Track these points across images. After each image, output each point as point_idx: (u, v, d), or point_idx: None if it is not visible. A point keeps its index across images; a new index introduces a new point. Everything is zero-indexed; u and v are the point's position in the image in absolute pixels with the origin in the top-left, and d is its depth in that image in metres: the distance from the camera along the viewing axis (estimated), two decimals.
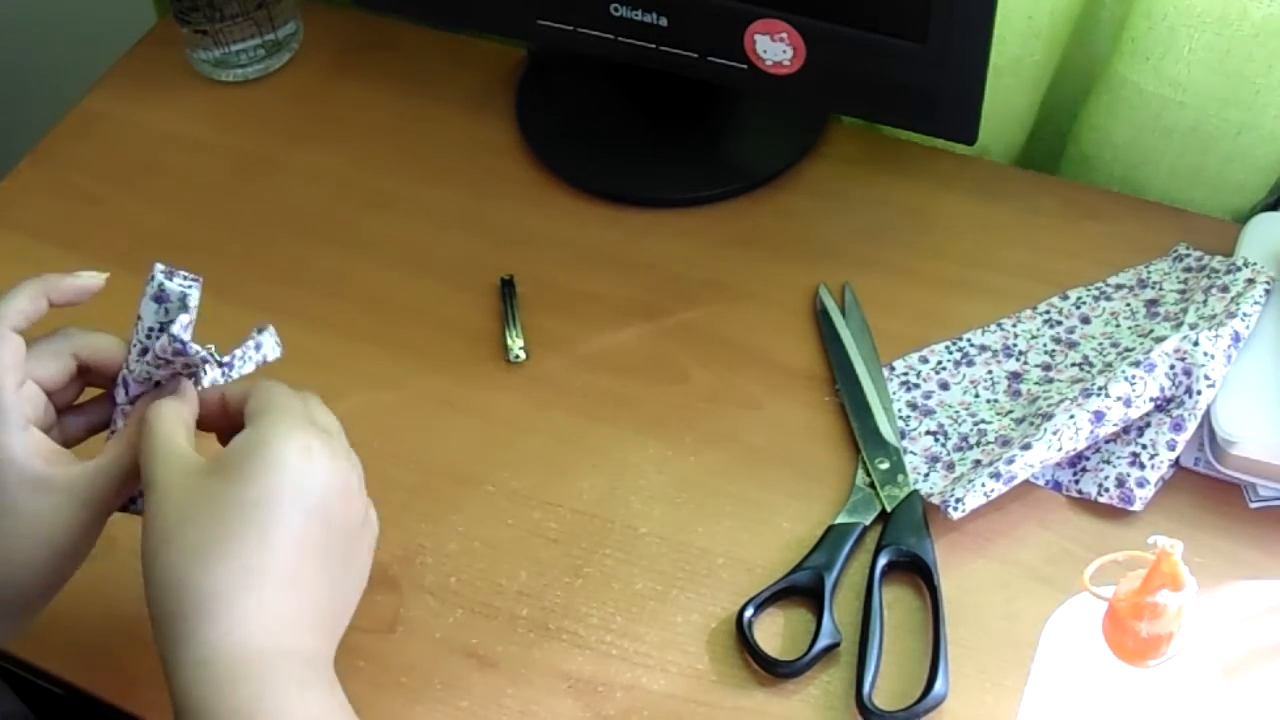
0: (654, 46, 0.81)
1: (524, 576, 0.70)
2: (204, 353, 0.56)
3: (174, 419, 0.56)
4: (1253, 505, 0.70)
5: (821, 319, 0.79)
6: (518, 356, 0.79)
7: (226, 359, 0.57)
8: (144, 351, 0.57)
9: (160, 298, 0.57)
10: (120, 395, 0.59)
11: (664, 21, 0.79)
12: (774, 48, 0.77)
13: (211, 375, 0.56)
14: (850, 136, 0.90)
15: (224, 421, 0.59)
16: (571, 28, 0.83)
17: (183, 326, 0.56)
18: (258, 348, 0.59)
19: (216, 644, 0.50)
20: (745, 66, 0.79)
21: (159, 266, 0.57)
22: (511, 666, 0.67)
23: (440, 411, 0.78)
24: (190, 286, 0.57)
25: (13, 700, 0.69)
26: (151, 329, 0.57)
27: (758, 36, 0.77)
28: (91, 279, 0.60)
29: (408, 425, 0.77)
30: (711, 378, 0.78)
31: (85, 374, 0.60)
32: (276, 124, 0.94)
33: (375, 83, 0.96)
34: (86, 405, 0.61)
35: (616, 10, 0.80)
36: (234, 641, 0.50)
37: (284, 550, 0.52)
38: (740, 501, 0.73)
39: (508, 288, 0.82)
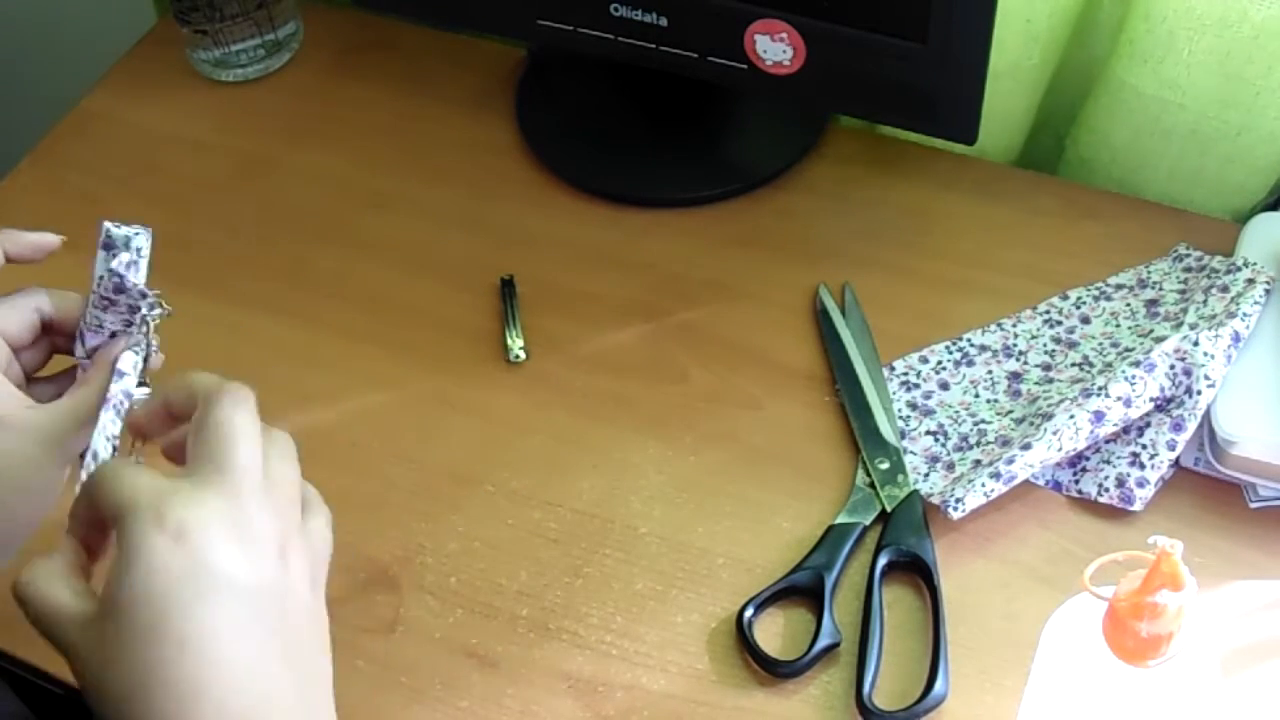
0: (654, 46, 0.81)
1: (524, 576, 0.70)
2: (142, 288, 0.57)
3: (45, 578, 0.49)
4: (1253, 505, 0.70)
5: (821, 319, 0.79)
6: (518, 356, 0.79)
7: (136, 343, 0.58)
8: (98, 302, 0.58)
9: (108, 244, 0.58)
10: (79, 349, 0.59)
11: (664, 21, 0.79)
12: (774, 48, 0.77)
13: (132, 359, 0.57)
14: (850, 136, 0.90)
15: (172, 425, 0.55)
16: (571, 28, 0.83)
17: (123, 264, 0.57)
18: (149, 307, 0.58)
19: None
20: (745, 66, 0.79)
21: (107, 221, 0.58)
22: (511, 666, 0.67)
23: (440, 411, 0.78)
24: (137, 233, 0.58)
25: (13, 700, 0.69)
26: (100, 276, 0.58)
27: (758, 36, 0.77)
28: (48, 238, 0.60)
29: (408, 425, 0.77)
30: (711, 378, 0.78)
31: (50, 331, 0.60)
32: (276, 124, 0.94)
33: (375, 83, 0.96)
34: (58, 375, 0.61)
35: (616, 10, 0.80)
36: None
37: (210, 652, 0.46)
38: (740, 501, 0.73)
39: (508, 288, 0.82)
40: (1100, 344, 0.77)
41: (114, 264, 0.57)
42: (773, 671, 0.66)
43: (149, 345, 0.59)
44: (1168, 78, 0.78)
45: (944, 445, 0.74)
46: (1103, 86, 0.82)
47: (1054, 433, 0.69)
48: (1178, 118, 0.80)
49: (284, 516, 0.50)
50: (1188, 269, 0.79)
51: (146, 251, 0.58)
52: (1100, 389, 0.70)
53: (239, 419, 0.50)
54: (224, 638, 0.46)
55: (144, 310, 0.57)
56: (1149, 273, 0.80)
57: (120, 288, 0.57)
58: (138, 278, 0.57)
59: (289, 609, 0.49)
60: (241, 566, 0.47)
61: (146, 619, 0.46)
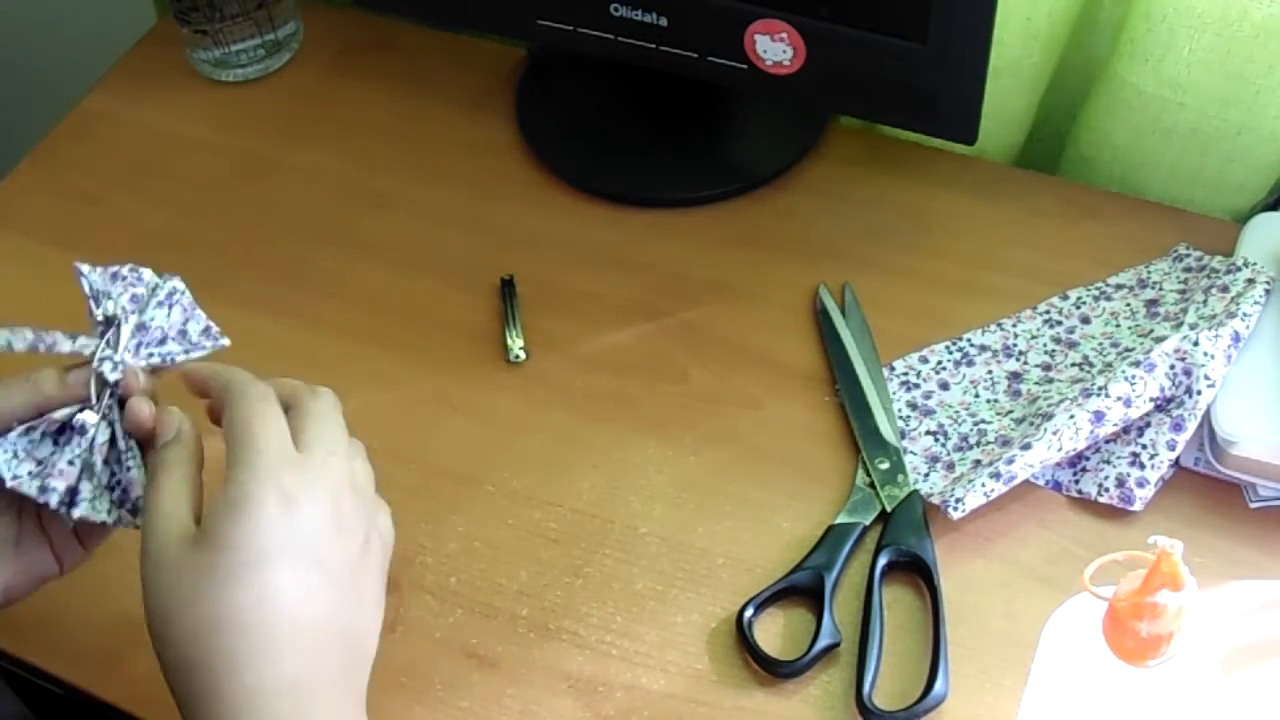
0: (654, 46, 0.81)
1: (524, 576, 0.70)
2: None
3: (173, 489, 0.54)
4: (1253, 505, 0.70)
5: (821, 319, 0.79)
6: (518, 356, 0.79)
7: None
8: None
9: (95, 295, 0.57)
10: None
11: (664, 21, 0.79)
12: (774, 48, 0.77)
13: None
14: (850, 136, 0.90)
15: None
16: (571, 28, 0.83)
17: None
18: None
19: (236, 717, 0.49)
20: (745, 66, 0.79)
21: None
22: (511, 666, 0.67)
23: (440, 411, 0.78)
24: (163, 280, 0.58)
25: (13, 700, 0.69)
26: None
27: (758, 36, 0.77)
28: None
29: (408, 425, 0.77)
30: (711, 378, 0.78)
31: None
32: (276, 124, 0.94)
33: (375, 83, 0.96)
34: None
35: (616, 10, 0.80)
36: (254, 713, 0.49)
37: (285, 610, 0.50)
38: (740, 501, 0.73)
39: (508, 288, 0.82)
40: (1100, 344, 0.77)
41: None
42: (773, 671, 0.66)
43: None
44: (1168, 76, 0.78)
45: (944, 445, 0.74)
46: (1104, 85, 0.82)
47: (1054, 433, 0.69)
48: (1178, 116, 0.80)
49: (369, 510, 0.55)
50: (1188, 269, 0.79)
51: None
52: (1100, 389, 0.70)
53: (338, 414, 0.57)
54: (299, 606, 0.51)
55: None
56: (1149, 273, 0.80)
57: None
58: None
59: (361, 594, 0.54)
60: (333, 547, 0.52)
61: (238, 563, 0.50)
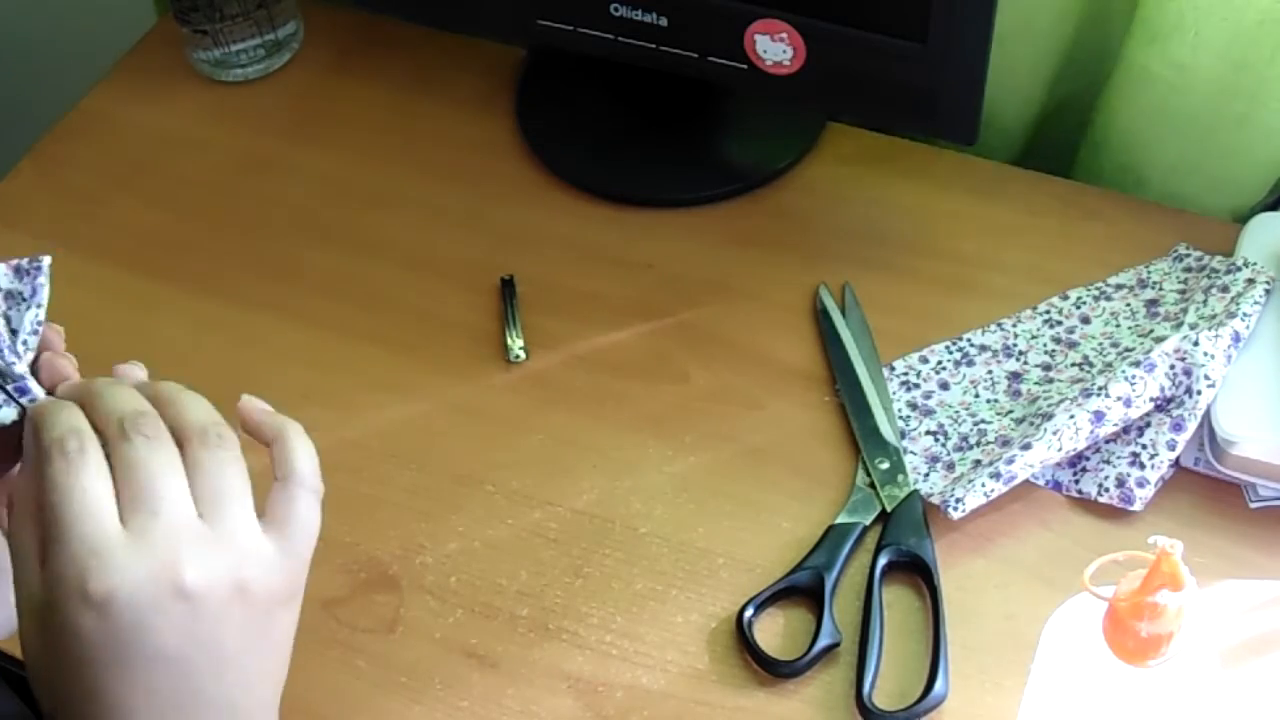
0: (654, 46, 0.81)
1: (524, 576, 0.70)
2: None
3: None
4: (1253, 505, 0.70)
5: (821, 319, 0.79)
6: (518, 356, 0.79)
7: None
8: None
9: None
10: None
11: (664, 21, 0.79)
12: (774, 48, 0.77)
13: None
14: (850, 136, 0.90)
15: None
16: (571, 28, 0.83)
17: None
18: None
19: None
20: (745, 66, 0.79)
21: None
22: (511, 666, 0.67)
23: (440, 411, 0.78)
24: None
25: (13, 700, 0.69)
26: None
27: (758, 36, 0.77)
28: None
29: (407, 425, 0.77)
30: (711, 378, 0.78)
31: None
32: (276, 124, 0.94)
33: (375, 83, 0.96)
34: None
35: (616, 10, 0.80)
36: None
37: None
38: (740, 501, 0.73)
39: (508, 288, 0.82)
40: (1100, 344, 0.77)
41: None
42: (773, 671, 0.66)
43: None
44: (1174, 58, 0.78)
45: (944, 445, 0.74)
46: (1120, 69, 0.82)
47: (1054, 433, 0.69)
48: (1181, 101, 0.80)
49: (231, 551, 0.46)
50: (1188, 269, 0.79)
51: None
52: (1100, 389, 0.70)
53: (154, 460, 0.46)
54: (153, 697, 0.45)
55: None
56: (1149, 273, 0.80)
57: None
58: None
59: (225, 648, 0.46)
60: (170, 630, 0.45)
61: (77, 659, 0.44)
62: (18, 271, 0.53)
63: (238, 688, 0.47)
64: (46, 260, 0.53)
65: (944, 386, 0.76)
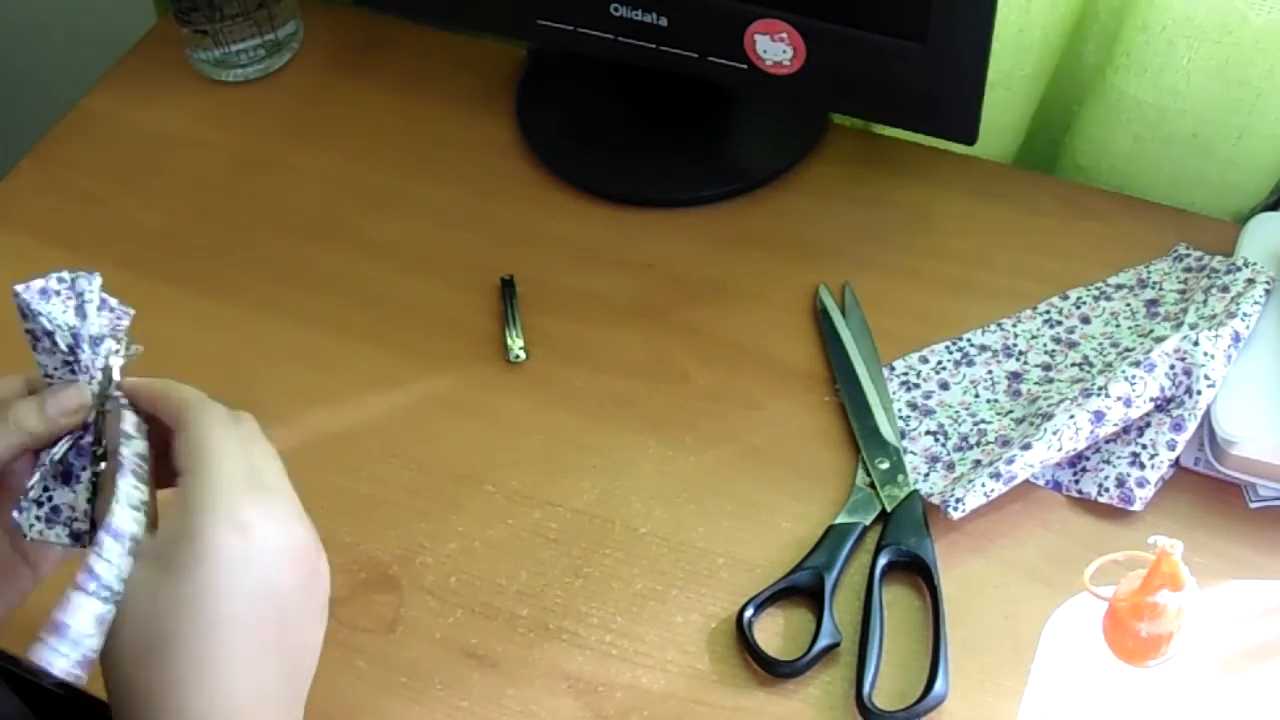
0: (654, 46, 0.81)
1: (524, 576, 0.70)
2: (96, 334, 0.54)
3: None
4: (1253, 505, 0.70)
5: (821, 319, 0.79)
6: (518, 356, 0.79)
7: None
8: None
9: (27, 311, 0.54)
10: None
11: (664, 21, 0.79)
12: (774, 48, 0.77)
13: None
14: (850, 136, 0.90)
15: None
16: (571, 28, 0.83)
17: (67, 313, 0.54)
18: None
19: None
20: (745, 66, 0.79)
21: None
22: (511, 666, 0.67)
23: (440, 411, 0.78)
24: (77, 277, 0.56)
25: (13, 700, 0.69)
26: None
27: (758, 36, 0.77)
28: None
29: (407, 425, 0.77)
30: (711, 378, 0.78)
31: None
32: (276, 124, 0.94)
33: (375, 83, 0.96)
34: None
35: (616, 10, 0.80)
36: None
37: (232, 640, 0.49)
38: (740, 501, 0.73)
39: (508, 288, 0.82)
40: (1100, 344, 0.77)
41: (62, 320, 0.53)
42: (773, 671, 0.66)
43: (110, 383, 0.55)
44: (1168, 86, 0.78)
45: (944, 445, 0.74)
46: (1099, 96, 0.82)
47: (1054, 433, 0.69)
48: (1179, 124, 0.80)
49: (315, 533, 0.53)
50: (1188, 269, 0.79)
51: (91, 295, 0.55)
52: (1100, 389, 0.70)
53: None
54: (247, 635, 0.49)
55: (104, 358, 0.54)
56: (1149, 273, 0.80)
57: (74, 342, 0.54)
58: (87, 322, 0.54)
59: (307, 613, 0.52)
60: (285, 576, 0.50)
61: (188, 592, 0.48)
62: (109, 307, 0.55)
63: (305, 648, 0.52)
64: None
65: (944, 386, 0.76)
